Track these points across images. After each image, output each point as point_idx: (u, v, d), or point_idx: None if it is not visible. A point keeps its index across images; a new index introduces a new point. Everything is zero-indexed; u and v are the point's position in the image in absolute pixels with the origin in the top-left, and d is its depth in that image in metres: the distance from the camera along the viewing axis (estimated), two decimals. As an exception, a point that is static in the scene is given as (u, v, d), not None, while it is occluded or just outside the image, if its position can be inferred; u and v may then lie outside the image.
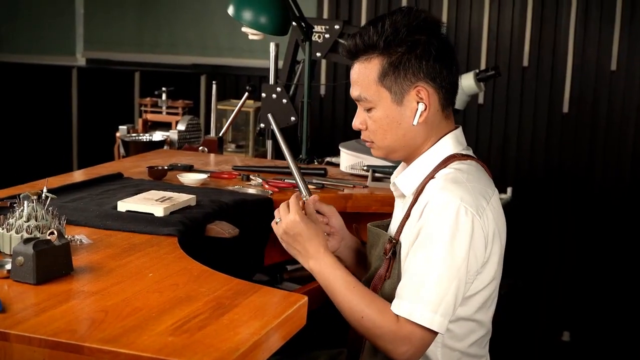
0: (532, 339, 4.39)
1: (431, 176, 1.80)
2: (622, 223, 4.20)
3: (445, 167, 1.81)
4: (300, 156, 3.17)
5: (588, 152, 4.22)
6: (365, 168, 2.72)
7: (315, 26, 3.21)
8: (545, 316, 4.37)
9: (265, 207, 2.39)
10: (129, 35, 5.18)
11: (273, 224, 1.91)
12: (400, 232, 1.81)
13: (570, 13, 4.17)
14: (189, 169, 2.79)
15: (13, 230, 1.74)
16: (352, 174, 2.81)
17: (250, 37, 3.00)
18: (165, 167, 2.71)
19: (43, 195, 1.80)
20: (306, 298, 1.55)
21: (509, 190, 3.37)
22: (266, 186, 2.57)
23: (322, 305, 1.88)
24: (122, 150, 3.45)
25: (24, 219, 1.75)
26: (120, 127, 3.59)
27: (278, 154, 3.37)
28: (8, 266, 1.61)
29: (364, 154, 2.74)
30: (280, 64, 3.32)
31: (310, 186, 2.54)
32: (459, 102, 3.21)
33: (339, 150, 2.91)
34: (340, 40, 3.19)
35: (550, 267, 4.34)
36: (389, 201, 2.02)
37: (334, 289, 1.79)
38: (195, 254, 1.83)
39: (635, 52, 4.11)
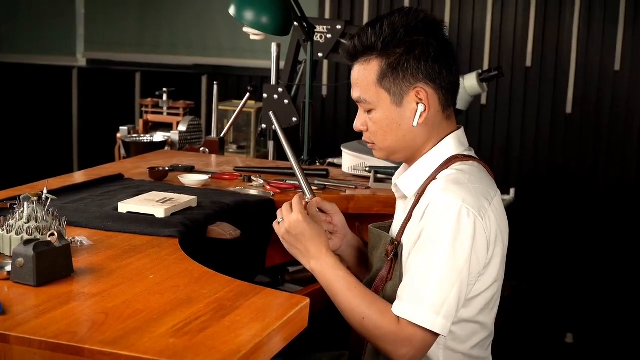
0: (535, 340, 4.38)
1: (433, 177, 1.80)
2: (626, 224, 4.19)
3: (447, 168, 1.80)
4: (302, 157, 3.16)
5: (592, 153, 4.22)
6: (367, 169, 2.72)
7: (317, 26, 3.21)
8: (549, 318, 4.37)
9: (266, 209, 2.39)
10: (129, 35, 5.18)
11: (275, 224, 1.91)
12: (402, 233, 1.81)
13: (573, 13, 4.16)
14: (190, 170, 2.78)
15: (13, 232, 1.74)
16: (354, 175, 2.80)
17: (252, 37, 3.00)
18: (166, 168, 2.71)
19: (43, 196, 1.80)
20: (308, 300, 1.55)
21: (512, 191, 3.36)
22: (268, 187, 2.57)
23: (324, 307, 1.87)
24: (122, 151, 3.45)
25: (24, 220, 1.74)
26: (121, 127, 3.58)
27: (280, 155, 3.36)
28: (8, 268, 1.61)
29: (366, 155, 2.73)
30: (282, 64, 3.32)
31: (311, 186, 2.54)
32: (462, 103, 3.21)
33: (341, 151, 2.90)
34: (342, 41, 3.19)
35: (554, 269, 4.33)
36: (391, 202, 2.02)
37: (335, 290, 1.79)
38: (197, 256, 1.83)
39: (639, 52, 4.10)
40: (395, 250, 1.80)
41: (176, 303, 1.50)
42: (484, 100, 4.34)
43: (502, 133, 4.36)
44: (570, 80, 4.20)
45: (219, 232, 2.12)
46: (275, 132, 3.23)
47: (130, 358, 1.28)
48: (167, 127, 3.70)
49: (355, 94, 1.85)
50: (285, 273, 2.51)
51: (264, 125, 3.28)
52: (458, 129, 1.87)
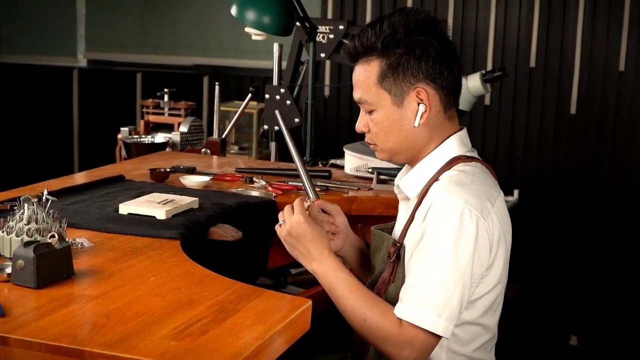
0: (540, 343, 4.37)
1: (435, 178, 1.79)
2: (631, 225, 4.18)
3: (449, 169, 1.80)
4: (305, 158, 3.16)
5: (596, 154, 4.21)
6: (370, 170, 2.71)
7: (320, 26, 3.20)
8: (553, 320, 4.36)
9: (268, 210, 2.39)
10: (130, 35, 5.18)
11: (277, 226, 1.90)
12: (404, 235, 1.81)
13: (577, 13, 4.15)
14: (192, 171, 2.78)
15: (13, 234, 1.74)
16: (356, 176, 2.80)
17: (254, 37, 2.99)
18: (168, 170, 2.70)
19: (44, 197, 1.80)
20: (310, 302, 1.55)
21: (516, 192, 3.36)
22: (270, 188, 2.56)
23: (326, 309, 1.86)
24: (123, 152, 3.44)
25: (25, 221, 1.74)
26: (121, 128, 3.57)
27: (282, 156, 3.35)
28: (8, 270, 1.60)
29: (368, 156, 2.73)
30: (284, 64, 3.32)
31: (315, 188, 2.53)
32: (465, 104, 3.20)
33: (343, 152, 2.90)
34: (345, 41, 3.18)
35: (558, 271, 4.32)
36: (394, 204, 2.01)
37: (336, 292, 1.78)
38: (198, 258, 1.82)
39: (644, 53, 4.10)
40: (397, 252, 1.80)
41: (177, 305, 1.50)
42: (487, 101, 4.34)
43: (505, 134, 4.35)
44: (574, 80, 4.19)
45: (221, 233, 2.12)
46: (278, 132, 3.22)
47: (131, 360, 1.28)
48: (168, 128, 3.69)
49: (356, 95, 1.85)
50: (288, 275, 2.51)
51: (265, 126, 3.27)
52: (461, 129, 1.87)
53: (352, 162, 2.83)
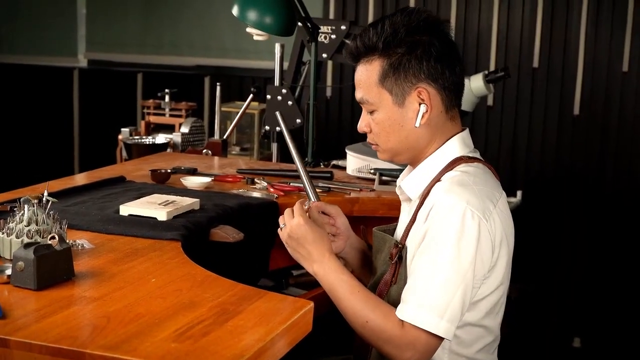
0: (542, 345, 4.37)
1: (437, 179, 1.79)
2: (635, 226, 4.18)
3: (451, 169, 1.80)
4: (306, 159, 3.15)
5: (599, 155, 4.21)
6: (372, 171, 2.71)
7: (322, 27, 3.20)
8: (556, 322, 4.35)
9: (270, 211, 2.38)
10: (131, 36, 5.18)
11: (279, 230, 1.90)
12: (406, 236, 1.80)
13: (581, 13, 4.15)
14: (193, 172, 2.78)
15: (13, 235, 1.73)
16: (359, 177, 2.80)
17: (255, 37, 2.98)
18: (169, 171, 2.70)
19: (44, 199, 1.80)
20: (312, 304, 1.54)
21: (519, 193, 3.36)
22: (271, 190, 2.56)
23: (328, 311, 1.86)
24: (124, 153, 3.44)
25: (25, 223, 1.74)
26: (122, 129, 3.57)
27: (283, 157, 3.35)
28: (8, 271, 1.60)
29: (370, 157, 2.72)
30: (286, 65, 3.31)
31: (316, 189, 2.53)
32: (468, 104, 3.19)
33: (345, 153, 2.89)
34: (347, 41, 3.17)
35: (561, 272, 4.32)
36: (397, 205, 2.01)
37: (337, 293, 1.78)
38: (199, 259, 1.82)
39: (647, 53, 4.10)
40: (399, 253, 1.80)
41: (178, 307, 1.50)
42: (490, 102, 4.33)
43: (508, 135, 4.34)
44: (577, 81, 4.19)
45: (222, 235, 2.11)
46: (280, 133, 3.22)
47: (131, 363, 1.27)
48: (169, 128, 3.69)
49: (358, 94, 1.85)
50: (289, 276, 2.50)
51: (267, 127, 3.27)
52: (463, 130, 1.87)
53: (354, 163, 2.83)
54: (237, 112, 3.61)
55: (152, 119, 3.73)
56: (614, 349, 4.27)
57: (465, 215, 1.67)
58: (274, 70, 3.27)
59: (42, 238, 1.71)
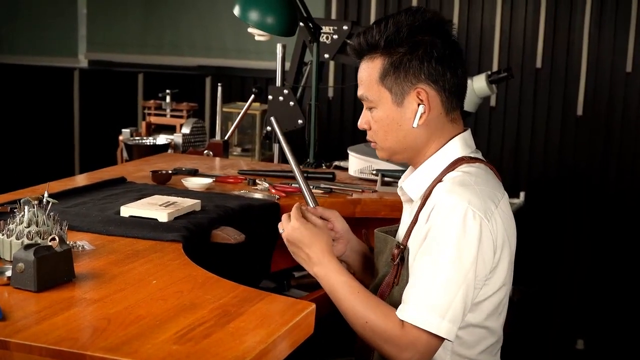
0: (545, 347, 4.37)
1: (439, 180, 1.79)
2: (638, 227, 4.16)
3: (453, 170, 1.79)
4: (308, 160, 3.15)
5: (602, 155, 4.20)
6: (374, 172, 2.70)
7: (323, 27, 3.19)
8: (559, 323, 4.35)
9: (271, 213, 2.38)
10: (132, 36, 5.18)
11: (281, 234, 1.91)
12: (408, 237, 1.80)
13: (584, 13, 4.15)
14: (194, 173, 2.78)
15: (13, 236, 1.73)
16: (361, 179, 2.79)
17: (257, 38, 2.98)
18: (170, 172, 2.69)
19: (44, 200, 1.80)
20: (314, 305, 1.54)
21: (522, 194, 3.35)
22: (273, 191, 2.55)
23: (330, 313, 1.86)
24: (125, 154, 3.44)
25: (25, 224, 1.74)
26: (123, 130, 3.57)
27: (285, 158, 3.33)
28: (8, 273, 1.60)
29: (372, 158, 2.72)
30: (288, 65, 3.31)
31: (318, 191, 2.54)
32: (471, 105, 3.19)
33: (347, 154, 2.88)
34: (349, 42, 3.16)
35: (564, 273, 4.32)
36: (399, 206, 2.00)
37: (338, 295, 1.78)
38: (200, 261, 1.82)
39: (651, 54, 4.09)
40: (401, 255, 1.79)
41: (179, 309, 1.49)
42: (493, 102, 4.33)
43: (511, 135, 4.34)
44: (581, 81, 4.18)
45: (223, 236, 2.11)
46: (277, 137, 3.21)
47: (132, 365, 1.27)
48: (170, 129, 3.68)
49: (359, 91, 1.87)
50: (291, 278, 2.50)
51: (268, 128, 3.27)
52: (465, 130, 1.86)
53: (356, 164, 2.82)
54: (239, 113, 3.60)
55: (153, 119, 3.72)
56: (617, 351, 4.26)
57: (466, 215, 1.67)
58: (275, 70, 3.26)
59: (43, 239, 1.71)
